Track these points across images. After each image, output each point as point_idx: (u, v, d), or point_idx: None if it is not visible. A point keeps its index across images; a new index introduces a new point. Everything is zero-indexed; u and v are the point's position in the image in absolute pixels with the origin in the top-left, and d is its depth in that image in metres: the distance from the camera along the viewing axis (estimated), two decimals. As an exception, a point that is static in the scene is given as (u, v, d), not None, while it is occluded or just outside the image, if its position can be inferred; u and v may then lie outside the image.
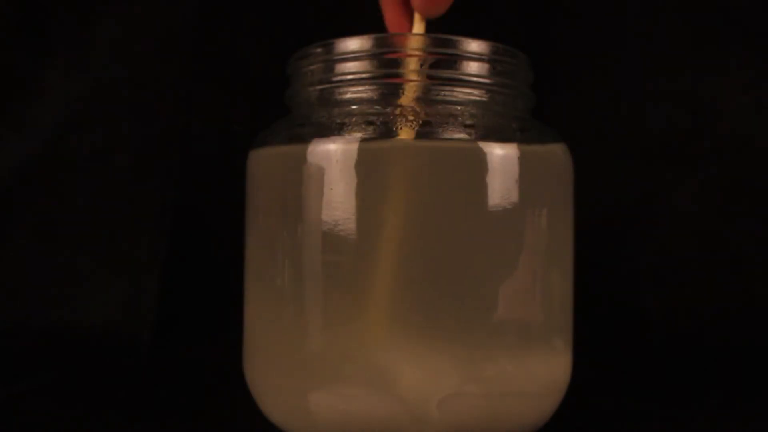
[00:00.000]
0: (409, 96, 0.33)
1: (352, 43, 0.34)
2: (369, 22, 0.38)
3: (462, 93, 0.34)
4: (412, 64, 0.33)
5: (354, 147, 0.32)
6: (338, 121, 0.34)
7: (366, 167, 0.32)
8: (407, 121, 0.33)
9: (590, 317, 0.41)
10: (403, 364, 0.32)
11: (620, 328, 0.53)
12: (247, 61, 0.53)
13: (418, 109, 0.33)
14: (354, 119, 0.33)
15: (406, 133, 0.33)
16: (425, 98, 0.34)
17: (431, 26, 0.37)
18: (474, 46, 0.34)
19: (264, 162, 0.36)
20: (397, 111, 0.33)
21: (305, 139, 0.33)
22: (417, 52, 0.34)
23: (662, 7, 0.54)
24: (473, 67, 0.34)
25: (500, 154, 0.32)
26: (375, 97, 0.34)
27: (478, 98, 0.34)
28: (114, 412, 0.40)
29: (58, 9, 0.53)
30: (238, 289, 0.38)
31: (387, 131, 0.33)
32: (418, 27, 0.37)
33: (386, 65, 0.34)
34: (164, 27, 0.53)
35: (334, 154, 0.32)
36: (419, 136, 0.33)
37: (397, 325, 0.32)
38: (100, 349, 0.51)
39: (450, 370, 0.32)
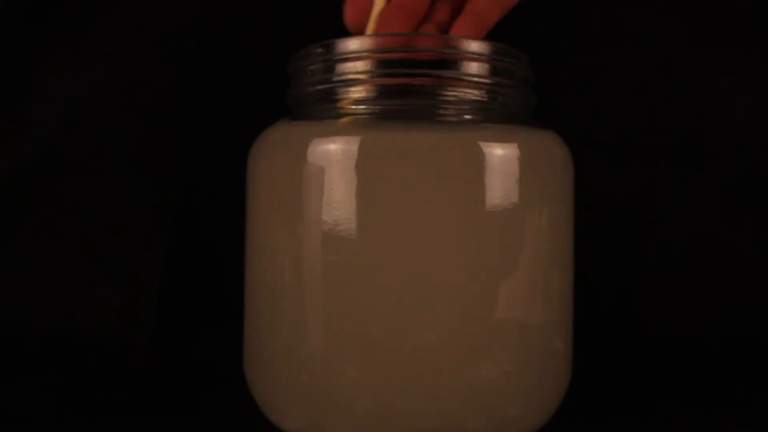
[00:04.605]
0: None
1: (353, 43, 0.34)
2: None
3: (462, 93, 0.34)
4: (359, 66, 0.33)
5: (354, 147, 0.32)
6: (339, 121, 0.34)
7: (366, 167, 0.32)
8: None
9: (590, 317, 0.41)
10: (402, 361, 0.32)
11: (620, 328, 0.53)
12: (247, 61, 0.53)
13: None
14: (355, 119, 0.33)
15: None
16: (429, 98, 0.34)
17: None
18: (474, 46, 0.34)
19: (264, 162, 0.36)
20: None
21: (306, 139, 0.33)
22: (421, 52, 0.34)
23: (662, 7, 0.54)
24: (473, 67, 0.34)
25: (500, 154, 0.32)
26: (375, 97, 0.34)
27: (478, 98, 0.34)
28: (114, 412, 0.40)
29: (58, 9, 0.53)
30: (239, 289, 0.38)
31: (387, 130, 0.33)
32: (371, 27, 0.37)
33: (386, 65, 0.34)
34: (164, 27, 0.53)
35: (334, 154, 0.32)
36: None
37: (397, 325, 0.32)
38: (100, 349, 0.51)
39: (450, 370, 0.32)
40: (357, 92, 0.34)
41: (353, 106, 0.34)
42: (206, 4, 0.53)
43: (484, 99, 0.34)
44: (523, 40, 0.38)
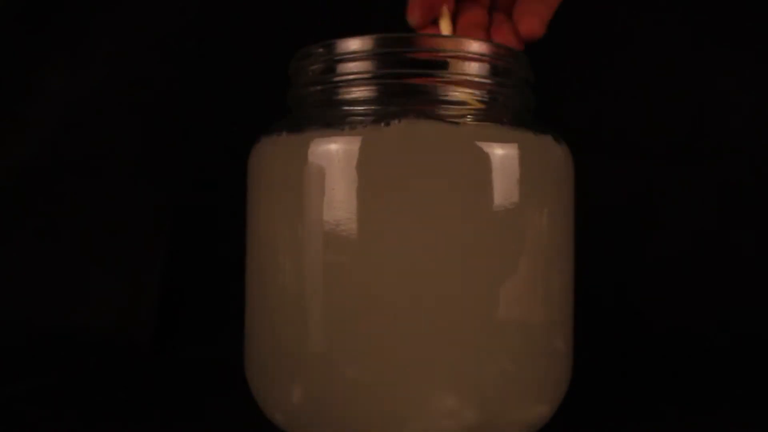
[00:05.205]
0: None
1: (353, 43, 0.34)
2: (371, 21, 0.38)
3: (463, 93, 0.34)
4: None
5: (355, 147, 0.32)
6: (339, 121, 0.34)
7: (367, 167, 0.32)
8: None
9: (590, 317, 0.41)
10: (403, 361, 0.32)
11: (620, 328, 0.53)
12: (247, 61, 0.53)
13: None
14: (355, 119, 0.33)
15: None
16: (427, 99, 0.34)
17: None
18: (475, 46, 0.34)
19: (265, 162, 0.36)
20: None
21: (306, 140, 0.33)
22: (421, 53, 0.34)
23: (662, 7, 0.54)
24: (474, 67, 0.34)
25: (501, 154, 0.32)
26: (376, 97, 0.34)
27: (479, 98, 0.34)
28: (114, 412, 0.40)
29: (58, 9, 0.53)
30: (239, 289, 0.38)
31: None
32: (446, 28, 0.38)
33: (387, 65, 0.34)
34: (164, 27, 0.53)
35: (335, 155, 0.32)
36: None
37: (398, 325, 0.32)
38: (100, 349, 0.51)
39: (451, 370, 0.32)
40: (366, 92, 0.33)
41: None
42: (206, 4, 0.53)
43: (485, 99, 0.34)
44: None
